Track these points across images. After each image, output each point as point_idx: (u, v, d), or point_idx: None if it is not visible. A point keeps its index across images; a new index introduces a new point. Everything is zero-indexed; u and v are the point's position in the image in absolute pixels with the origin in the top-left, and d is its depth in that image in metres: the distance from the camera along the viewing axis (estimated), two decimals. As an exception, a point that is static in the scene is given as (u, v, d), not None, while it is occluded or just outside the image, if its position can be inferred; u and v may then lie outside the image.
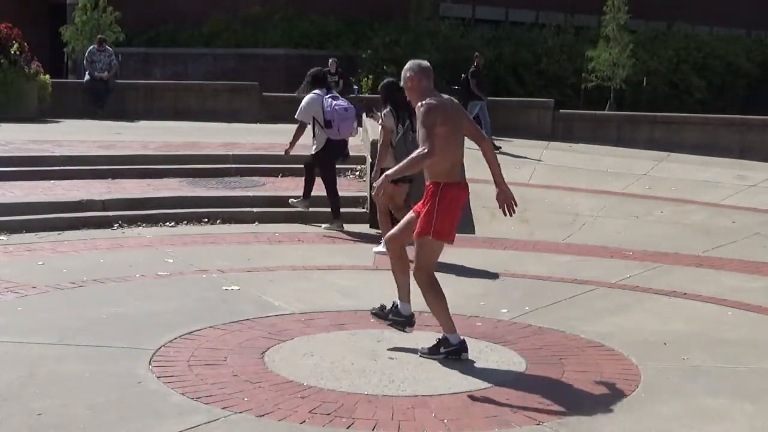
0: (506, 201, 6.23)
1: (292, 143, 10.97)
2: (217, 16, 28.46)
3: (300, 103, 10.68)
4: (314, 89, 10.71)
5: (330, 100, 10.55)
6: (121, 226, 10.54)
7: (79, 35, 23.61)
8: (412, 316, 6.35)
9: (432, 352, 6.16)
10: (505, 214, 6.19)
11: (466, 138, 6.20)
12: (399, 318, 6.32)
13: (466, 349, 6.14)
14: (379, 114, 9.58)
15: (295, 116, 10.81)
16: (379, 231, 10.68)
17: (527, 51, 28.20)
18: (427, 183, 6.13)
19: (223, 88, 21.03)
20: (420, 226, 6.10)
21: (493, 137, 18.64)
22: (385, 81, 9.72)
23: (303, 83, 9.84)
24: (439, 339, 6.20)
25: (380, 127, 9.53)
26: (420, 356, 6.15)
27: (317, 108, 10.52)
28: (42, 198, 11.12)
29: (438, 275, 8.67)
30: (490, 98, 20.08)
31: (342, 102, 10.67)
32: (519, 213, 12.09)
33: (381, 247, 8.85)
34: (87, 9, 23.55)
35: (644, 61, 27.62)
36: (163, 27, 28.97)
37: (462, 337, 6.17)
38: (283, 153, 11.30)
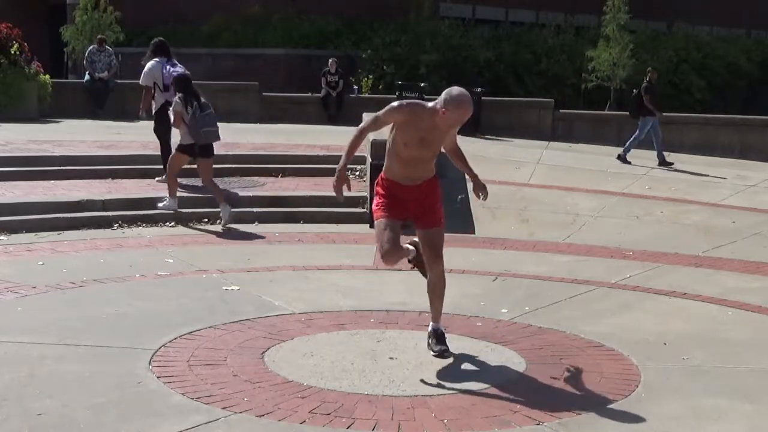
0: (483, 189, 6.48)
1: (143, 107, 12.43)
2: (217, 16, 28.45)
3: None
4: (155, 57, 12.13)
5: (168, 66, 11.97)
6: (121, 226, 10.55)
7: (79, 35, 23.60)
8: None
9: (441, 343, 6.19)
10: (479, 197, 6.41)
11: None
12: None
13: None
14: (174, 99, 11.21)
15: (140, 82, 12.33)
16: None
17: (527, 51, 28.18)
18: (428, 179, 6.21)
19: (223, 88, 21.00)
20: (439, 217, 6.21)
21: (494, 137, 18.68)
22: (177, 74, 11.41)
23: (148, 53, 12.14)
24: (438, 330, 6.24)
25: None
26: (435, 356, 6.13)
27: (157, 74, 12.02)
28: (42, 198, 11.13)
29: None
30: (490, 98, 20.12)
31: (179, 69, 11.91)
32: (519, 213, 12.17)
33: (163, 204, 10.98)
34: (87, 9, 23.55)
35: (644, 61, 27.59)
36: (163, 27, 28.90)
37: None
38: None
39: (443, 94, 5.88)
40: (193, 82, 11.22)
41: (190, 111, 10.88)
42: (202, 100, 11.13)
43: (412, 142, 5.95)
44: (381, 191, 6.14)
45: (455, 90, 5.89)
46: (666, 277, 8.87)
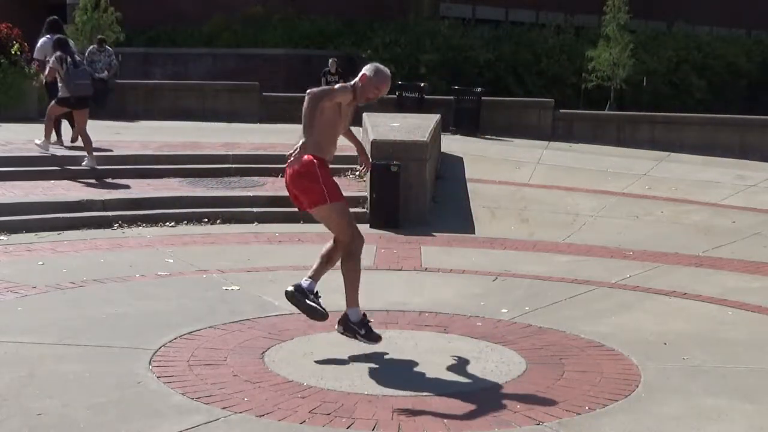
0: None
1: (43, 74, 14.04)
2: (217, 16, 28.46)
3: None
4: (48, 34, 13.78)
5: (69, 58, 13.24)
6: (121, 226, 10.55)
7: (79, 35, 23.57)
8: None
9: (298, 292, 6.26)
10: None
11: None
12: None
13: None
14: (51, 59, 13.02)
15: (33, 56, 14.38)
16: (379, 231, 10.74)
17: (527, 51, 28.19)
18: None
19: (223, 88, 21.02)
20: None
21: (494, 137, 18.68)
22: (55, 37, 13.32)
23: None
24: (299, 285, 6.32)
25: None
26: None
27: (47, 48, 13.73)
28: (42, 198, 11.13)
29: (439, 275, 8.72)
30: (490, 98, 20.12)
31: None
32: (519, 213, 12.18)
33: (37, 142, 12.88)
34: (87, 9, 23.54)
35: (644, 61, 27.62)
36: (163, 27, 28.97)
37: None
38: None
39: (365, 66, 6.21)
40: (69, 43, 13.19)
41: (65, 67, 12.57)
42: (77, 58, 12.96)
43: (344, 120, 6.21)
44: (326, 173, 6.14)
45: (376, 63, 6.29)
46: (666, 277, 8.87)
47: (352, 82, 6.15)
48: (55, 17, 14.04)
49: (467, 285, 8.24)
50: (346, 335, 6.25)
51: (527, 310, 7.44)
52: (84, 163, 12.57)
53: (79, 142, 13.08)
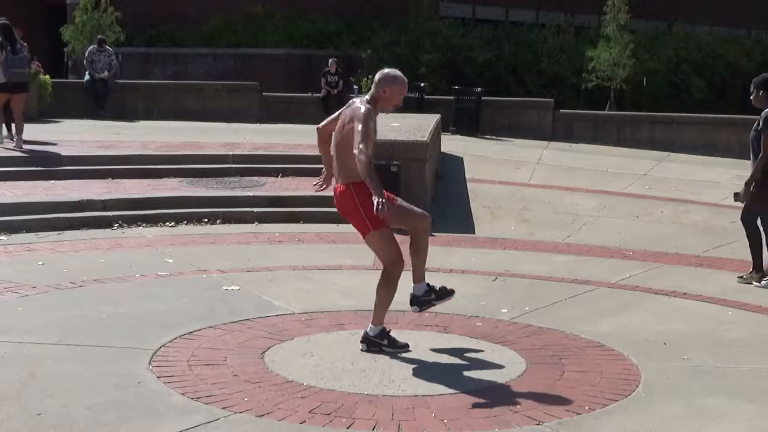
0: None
1: None
2: (217, 16, 28.44)
3: None
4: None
5: (9, 46, 13.35)
6: (121, 226, 10.55)
7: (79, 35, 23.58)
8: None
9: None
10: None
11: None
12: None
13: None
14: None
15: None
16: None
17: (527, 51, 28.16)
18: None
19: (223, 88, 21.02)
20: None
21: (494, 137, 18.69)
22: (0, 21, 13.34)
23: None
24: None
25: None
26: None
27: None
28: (42, 198, 11.13)
29: (439, 275, 8.71)
30: (490, 98, 20.12)
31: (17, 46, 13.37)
32: (519, 213, 12.18)
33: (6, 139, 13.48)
34: (87, 9, 23.54)
35: (644, 61, 27.58)
36: (163, 27, 28.93)
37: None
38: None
39: (376, 79, 6.12)
40: (14, 29, 13.27)
41: (3, 54, 12.87)
42: (18, 45, 13.16)
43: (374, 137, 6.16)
44: (365, 199, 6.02)
45: (384, 70, 6.21)
46: (666, 277, 8.87)
47: (368, 98, 6.08)
48: (6, 22, 13.64)
49: (467, 285, 8.23)
50: (371, 351, 6.23)
51: (527, 310, 7.44)
52: (13, 146, 13.24)
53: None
